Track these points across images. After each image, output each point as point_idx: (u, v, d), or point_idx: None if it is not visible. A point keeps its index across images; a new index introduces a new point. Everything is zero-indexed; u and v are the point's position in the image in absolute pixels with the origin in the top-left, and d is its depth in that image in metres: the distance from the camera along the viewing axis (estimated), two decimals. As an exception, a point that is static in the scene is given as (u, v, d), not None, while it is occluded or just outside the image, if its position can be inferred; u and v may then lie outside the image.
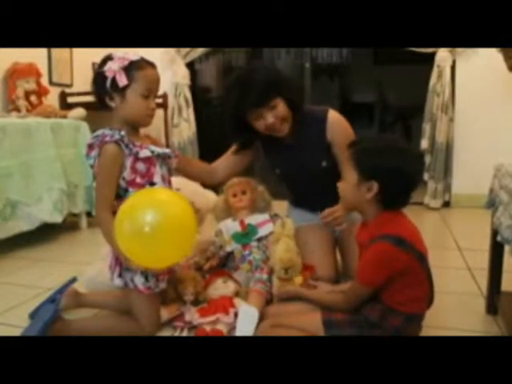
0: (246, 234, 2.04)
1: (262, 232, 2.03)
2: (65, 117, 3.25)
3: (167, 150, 1.65)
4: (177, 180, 2.59)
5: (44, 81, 3.55)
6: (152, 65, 1.57)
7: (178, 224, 1.37)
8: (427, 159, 3.87)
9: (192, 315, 1.70)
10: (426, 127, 3.83)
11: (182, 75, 4.28)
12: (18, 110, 3.20)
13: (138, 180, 1.54)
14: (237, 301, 1.77)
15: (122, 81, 1.49)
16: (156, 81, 1.58)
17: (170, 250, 1.39)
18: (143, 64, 1.54)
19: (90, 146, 1.53)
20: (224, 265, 2.08)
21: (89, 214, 3.37)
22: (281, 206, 2.24)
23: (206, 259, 2.09)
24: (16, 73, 3.27)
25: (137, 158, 1.53)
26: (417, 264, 1.38)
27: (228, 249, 2.06)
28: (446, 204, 3.92)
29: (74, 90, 3.92)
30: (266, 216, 2.08)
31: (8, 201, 2.63)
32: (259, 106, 1.79)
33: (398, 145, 1.45)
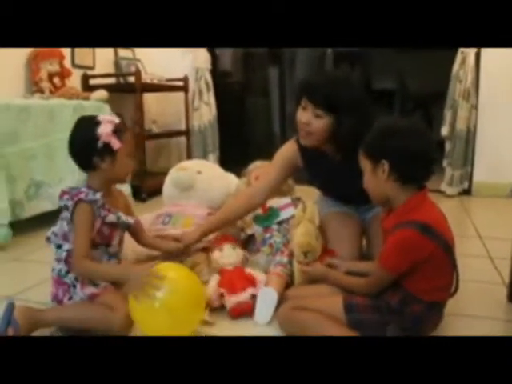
0: (268, 217, 2.04)
1: (283, 215, 2.04)
2: (87, 98, 3.27)
3: (130, 220, 1.70)
4: (198, 163, 2.62)
5: (67, 63, 3.55)
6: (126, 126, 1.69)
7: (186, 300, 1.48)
8: (447, 146, 3.83)
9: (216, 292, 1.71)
10: (447, 114, 3.77)
11: (203, 59, 4.27)
12: (41, 91, 3.21)
13: (98, 240, 1.61)
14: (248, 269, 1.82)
15: (117, 144, 1.56)
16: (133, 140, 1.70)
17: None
18: (125, 126, 1.66)
19: (65, 193, 1.59)
20: (245, 248, 2.08)
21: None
22: (303, 191, 2.24)
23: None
24: (39, 55, 3.28)
25: (103, 222, 1.59)
26: (441, 253, 1.37)
27: (249, 231, 2.07)
28: (466, 192, 3.87)
29: (95, 72, 3.93)
30: (287, 199, 2.08)
31: (32, 181, 2.67)
32: (307, 98, 1.70)
33: (400, 124, 1.47)
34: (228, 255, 1.86)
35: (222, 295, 1.70)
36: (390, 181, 1.41)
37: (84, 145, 1.59)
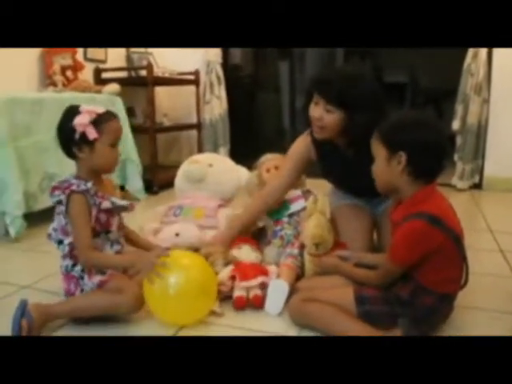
0: (278, 210, 2.05)
1: (293, 208, 2.04)
2: (99, 92, 3.30)
3: (125, 203, 1.70)
4: (210, 156, 2.63)
5: (79, 57, 3.58)
6: (115, 116, 1.66)
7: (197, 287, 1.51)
8: (458, 140, 3.81)
9: (226, 279, 1.73)
10: (459, 108, 3.76)
11: (214, 53, 4.27)
12: (54, 84, 3.24)
13: (97, 228, 1.62)
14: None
15: (93, 134, 1.56)
16: (120, 130, 1.66)
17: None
18: (109, 116, 1.63)
19: (55, 188, 1.59)
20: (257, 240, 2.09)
21: (122, 188, 3.45)
22: (314, 184, 2.24)
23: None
24: (52, 49, 3.30)
25: (99, 210, 1.60)
26: (451, 244, 1.38)
27: (260, 224, 2.08)
28: (477, 186, 3.85)
29: (107, 65, 3.96)
30: (298, 192, 2.09)
31: (46, 174, 2.70)
32: (318, 93, 1.71)
33: (421, 117, 1.46)
34: (246, 254, 1.87)
35: (233, 278, 1.72)
36: (404, 173, 1.41)
37: (63, 135, 1.61)
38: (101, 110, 1.61)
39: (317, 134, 1.79)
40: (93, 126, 1.56)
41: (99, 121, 1.57)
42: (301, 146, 1.97)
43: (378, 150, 1.46)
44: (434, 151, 1.39)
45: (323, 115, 1.71)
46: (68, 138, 1.58)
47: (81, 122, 1.54)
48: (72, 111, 1.59)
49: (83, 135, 1.56)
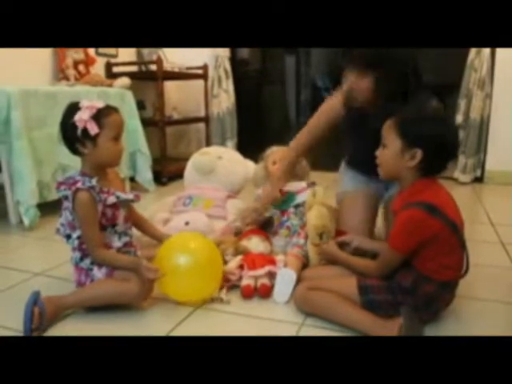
0: (285, 201, 2.11)
1: (299, 199, 2.08)
2: (110, 86, 3.35)
3: (130, 196, 1.72)
4: (219, 149, 2.69)
5: (91, 51, 3.65)
6: (116, 110, 1.65)
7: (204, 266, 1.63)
8: (460, 134, 3.82)
9: (234, 268, 1.79)
10: (461, 103, 3.79)
11: (222, 48, 4.32)
12: (67, 78, 3.32)
13: (104, 222, 1.65)
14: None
15: (94, 129, 1.56)
16: (121, 123, 1.66)
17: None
18: (109, 110, 1.62)
19: (60, 183, 1.61)
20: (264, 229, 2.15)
21: (132, 180, 3.54)
22: (318, 177, 2.29)
23: (247, 225, 2.16)
24: (65, 43, 3.38)
25: (105, 205, 1.62)
26: (449, 232, 1.39)
27: (266, 214, 2.13)
28: (479, 180, 3.89)
29: (118, 60, 4.02)
30: (303, 184, 2.13)
31: (60, 165, 2.76)
32: (350, 59, 1.77)
33: (441, 114, 1.49)
34: (255, 245, 1.92)
35: (241, 267, 1.78)
36: (413, 168, 1.43)
37: (66, 132, 1.61)
38: (100, 104, 1.61)
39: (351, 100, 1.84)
40: (94, 120, 1.56)
41: (100, 115, 1.58)
42: (334, 100, 2.05)
43: (392, 140, 1.45)
44: (449, 153, 1.42)
45: (357, 80, 1.76)
46: (71, 135, 1.58)
47: (81, 117, 1.55)
48: (72, 108, 1.59)
49: (85, 131, 1.56)
